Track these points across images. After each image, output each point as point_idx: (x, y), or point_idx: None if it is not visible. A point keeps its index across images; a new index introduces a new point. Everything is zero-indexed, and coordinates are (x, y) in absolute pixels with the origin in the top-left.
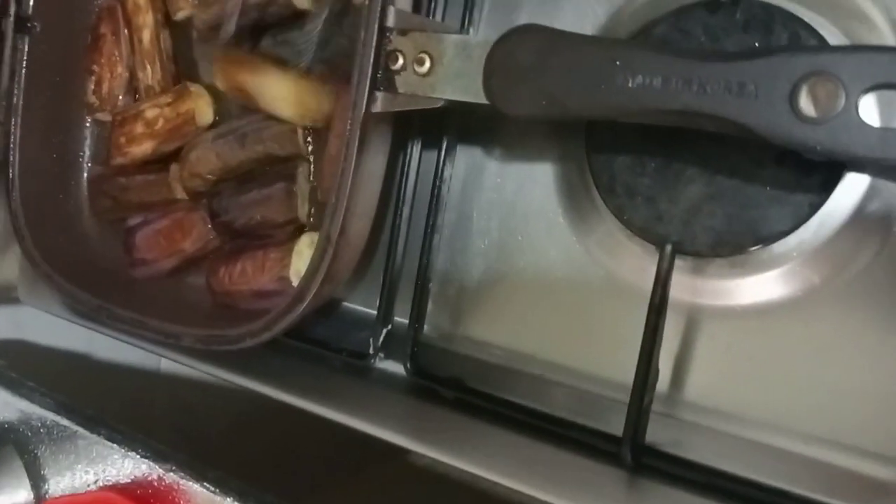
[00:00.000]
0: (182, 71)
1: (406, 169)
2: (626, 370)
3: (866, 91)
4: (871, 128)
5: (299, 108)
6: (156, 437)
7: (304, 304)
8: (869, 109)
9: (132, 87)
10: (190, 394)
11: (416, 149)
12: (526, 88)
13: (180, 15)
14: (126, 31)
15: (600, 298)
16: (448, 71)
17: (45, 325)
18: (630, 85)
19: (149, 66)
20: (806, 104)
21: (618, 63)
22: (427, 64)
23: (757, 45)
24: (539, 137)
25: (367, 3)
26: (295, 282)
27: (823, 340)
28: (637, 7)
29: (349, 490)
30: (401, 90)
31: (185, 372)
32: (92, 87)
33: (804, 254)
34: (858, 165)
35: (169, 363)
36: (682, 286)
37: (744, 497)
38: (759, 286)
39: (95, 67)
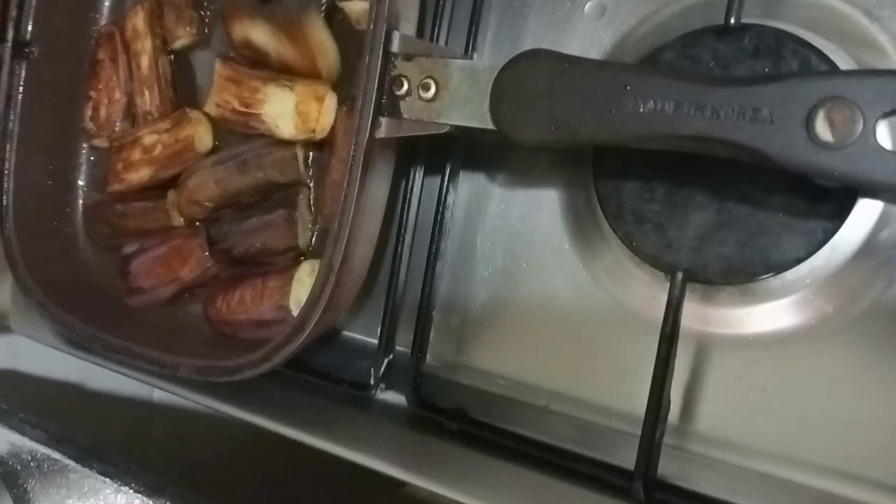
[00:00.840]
0: (181, 97)
1: (409, 194)
2: (633, 401)
3: (884, 116)
4: (888, 153)
5: (299, 120)
6: (149, 468)
7: (305, 335)
8: (884, 134)
9: (130, 113)
10: (185, 423)
11: (419, 174)
12: (534, 114)
13: (178, 44)
14: (125, 56)
15: (607, 327)
16: (454, 96)
17: (38, 354)
18: (641, 110)
19: (147, 92)
20: (822, 129)
21: (628, 88)
22: (433, 89)
23: (767, 70)
24: (545, 163)
25: (371, 28)
26: (295, 310)
27: (836, 371)
28: (643, 33)
29: None
30: (406, 115)
31: (179, 402)
32: (89, 112)
33: (816, 282)
34: (873, 192)
35: (162, 393)
36: (692, 314)
37: None
38: (771, 315)
39: (93, 93)
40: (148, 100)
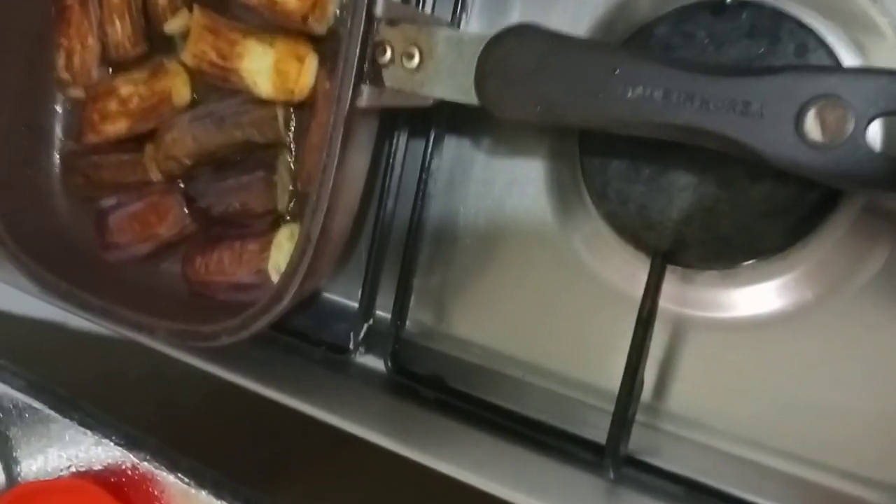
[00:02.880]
0: (156, 37)
1: (392, 160)
2: (609, 376)
3: (876, 117)
4: (878, 155)
5: (278, 79)
6: (130, 414)
7: (283, 304)
8: (876, 137)
9: (106, 60)
10: (167, 370)
11: (402, 139)
12: (520, 93)
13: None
14: None
15: (587, 302)
16: (439, 67)
17: (17, 299)
18: (629, 96)
19: (118, 21)
20: (812, 128)
21: (617, 72)
22: (416, 59)
23: (762, 51)
24: (531, 133)
25: None
26: (274, 276)
27: (813, 358)
28: (637, 4)
29: (325, 483)
30: (388, 84)
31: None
32: (62, 62)
33: (798, 269)
34: (861, 192)
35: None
36: (671, 295)
37: None
38: (751, 299)
39: (64, 40)
40: (119, 29)
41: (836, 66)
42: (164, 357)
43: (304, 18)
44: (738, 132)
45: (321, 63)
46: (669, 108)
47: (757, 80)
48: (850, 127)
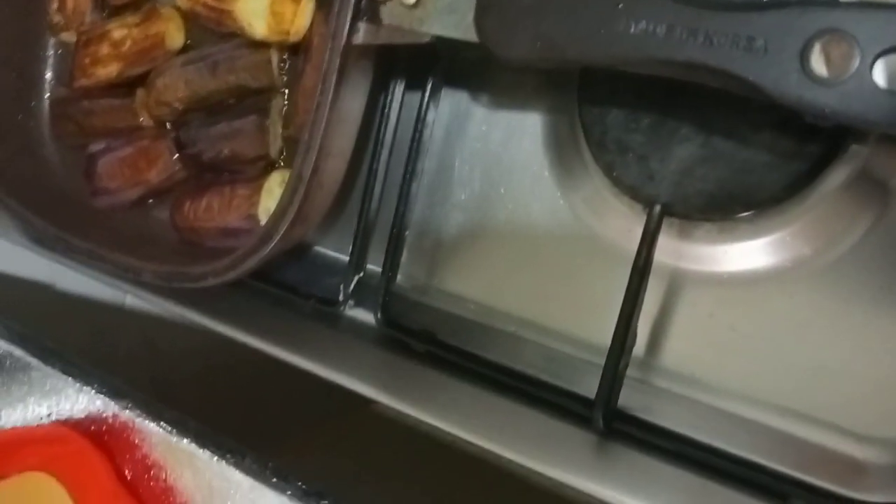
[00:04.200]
0: None
1: (387, 110)
2: (603, 332)
3: (883, 54)
4: (884, 92)
5: (273, 20)
6: (118, 374)
7: (272, 246)
8: (881, 73)
9: (100, 4)
10: (156, 331)
11: (398, 89)
12: (521, 29)
13: None
14: None
15: (582, 258)
16: (438, 4)
17: (4, 251)
18: (632, 31)
19: None
20: (817, 63)
21: (620, 6)
22: None
23: None
24: (530, 86)
25: None
26: (264, 220)
27: (808, 315)
28: None
29: (313, 437)
30: (386, 22)
31: (152, 309)
32: (55, 4)
33: (795, 224)
34: (866, 131)
35: (135, 299)
36: (668, 249)
37: (715, 468)
38: (747, 254)
39: None
40: None
41: (842, 1)
42: (155, 321)
43: None
44: (742, 68)
45: (318, 6)
46: (672, 43)
47: (761, 14)
48: (856, 63)
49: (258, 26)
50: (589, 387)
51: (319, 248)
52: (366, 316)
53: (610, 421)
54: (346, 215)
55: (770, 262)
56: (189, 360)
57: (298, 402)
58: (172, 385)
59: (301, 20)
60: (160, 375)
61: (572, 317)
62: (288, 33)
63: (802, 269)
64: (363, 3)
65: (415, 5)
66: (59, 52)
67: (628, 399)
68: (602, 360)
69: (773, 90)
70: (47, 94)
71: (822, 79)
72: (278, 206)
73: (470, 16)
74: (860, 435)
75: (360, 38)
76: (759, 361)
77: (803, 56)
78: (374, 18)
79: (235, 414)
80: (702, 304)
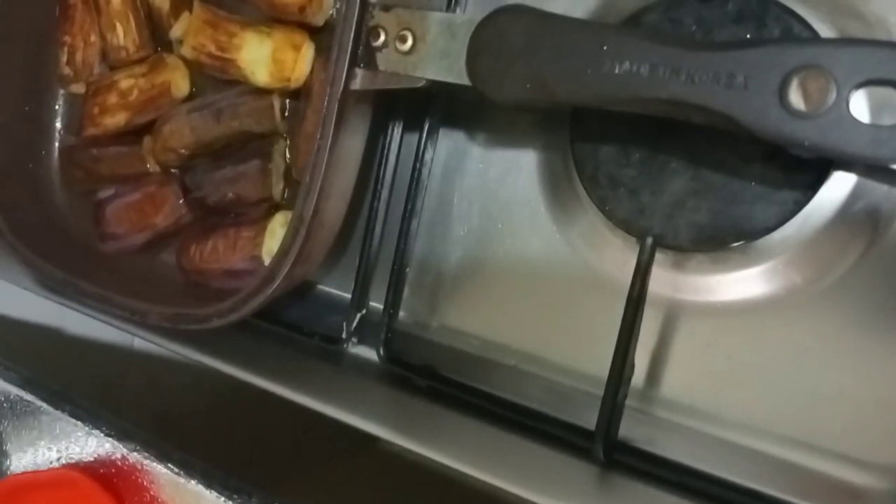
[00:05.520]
0: (159, 38)
1: (386, 150)
2: (601, 364)
3: (858, 86)
4: (861, 125)
5: (275, 68)
6: (125, 416)
7: (274, 286)
8: (859, 106)
9: (106, 52)
10: (163, 373)
11: (397, 129)
12: (511, 71)
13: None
14: None
15: (579, 290)
16: (431, 50)
17: (14, 296)
18: (617, 71)
19: (120, 27)
20: (796, 98)
21: (605, 48)
22: (409, 41)
23: (749, 37)
24: (524, 124)
25: None
26: (267, 261)
27: (804, 342)
28: None
29: (318, 476)
30: (382, 68)
31: (158, 350)
32: (65, 58)
33: (787, 252)
34: (846, 163)
35: (142, 341)
36: (662, 280)
37: (717, 497)
38: (741, 283)
39: (67, 38)
40: (121, 35)
41: (818, 38)
42: (163, 364)
43: (302, 9)
44: (723, 104)
45: (317, 54)
46: (656, 82)
47: (740, 52)
48: (833, 96)
49: (260, 74)
50: (589, 418)
51: (322, 286)
52: (368, 353)
53: (610, 452)
54: (347, 253)
55: (764, 291)
56: (196, 399)
57: (304, 440)
58: (179, 424)
59: (302, 67)
60: (167, 414)
61: (571, 349)
62: (289, 80)
63: (797, 296)
64: (360, 50)
65: (409, 51)
66: (68, 101)
67: (628, 430)
68: (601, 391)
69: (754, 125)
70: (57, 143)
71: (801, 112)
72: (280, 247)
73: (462, 60)
74: (859, 461)
75: (357, 83)
76: (757, 389)
77: (782, 91)
78: (370, 64)
79: (242, 453)
80: (699, 333)
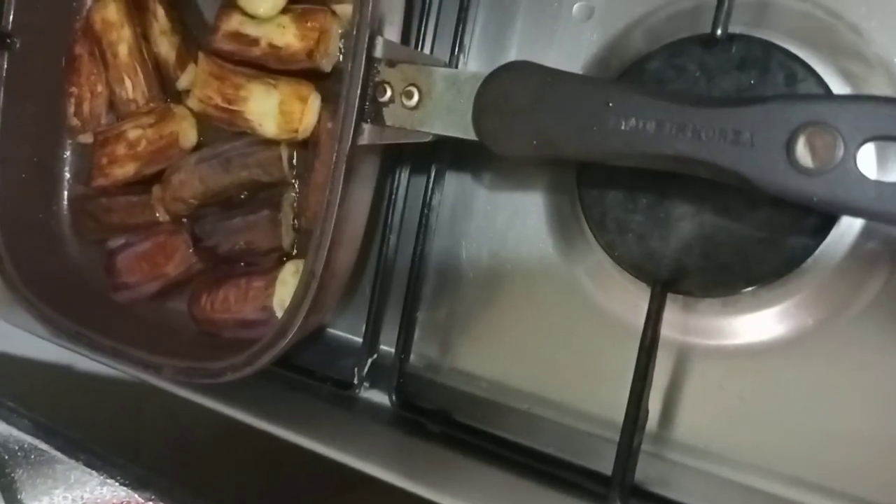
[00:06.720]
0: (168, 88)
1: (394, 195)
2: (614, 407)
3: (865, 142)
4: (868, 180)
5: (283, 119)
6: (141, 457)
7: (288, 339)
8: (866, 161)
9: (116, 105)
10: (178, 410)
11: (404, 175)
12: (516, 128)
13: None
14: (100, 48)
15: (590, 332)
16: (437, 105)
17: (27, 341)
18: (623, 128)
19: (128, 80)
20: (803, 154)
21: (611, 105)
22: (416, 97)
23: (752, 82)
24: (531, 167)
25: (354, 32)
26: (279, 311)
27: (816, 383)
28: (630, 38)
29: None
30: (389, 123)
31: (172, 388)
32: (73, 109)
33: (799, 294)
34: (854, 216)
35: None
36: (673, 324)
37: None
38: (752, 326)
39: (74, 89)
40: (130, 88)
41: (824, 94)
42: (174, 399)
43: (310, 54)
44: (730, 161)
45: (324, 103)
46: (662, 138)
47: (746, 109)
48: (840, 153)
49: (268, 126)
50: (604, 462)
51: (333, 331)
52: (380, 398)
53: (627, 498)
54: (358, 298)
55: (775, 334)
56: (211, 442)
57: (320, 479)
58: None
59: (309, 118)
60: (185, 441)
61: (584, 391)
62: (297, 131)
63: (808, 338)
64: (367, 106)
65: (416, 107)
66: (77, 152)
67: (643, 473)
68: (615, 435)
69: (761, 181)
70: (66, 193)
71: (808, 169)
72: (293, 300)
73: (468, 116)
74: (873, 502)
75: (364, 139)
76: (769, 431)
77: (789, 148)
78: (377, 120)
79: (256, 497)
80: (711, 375)
